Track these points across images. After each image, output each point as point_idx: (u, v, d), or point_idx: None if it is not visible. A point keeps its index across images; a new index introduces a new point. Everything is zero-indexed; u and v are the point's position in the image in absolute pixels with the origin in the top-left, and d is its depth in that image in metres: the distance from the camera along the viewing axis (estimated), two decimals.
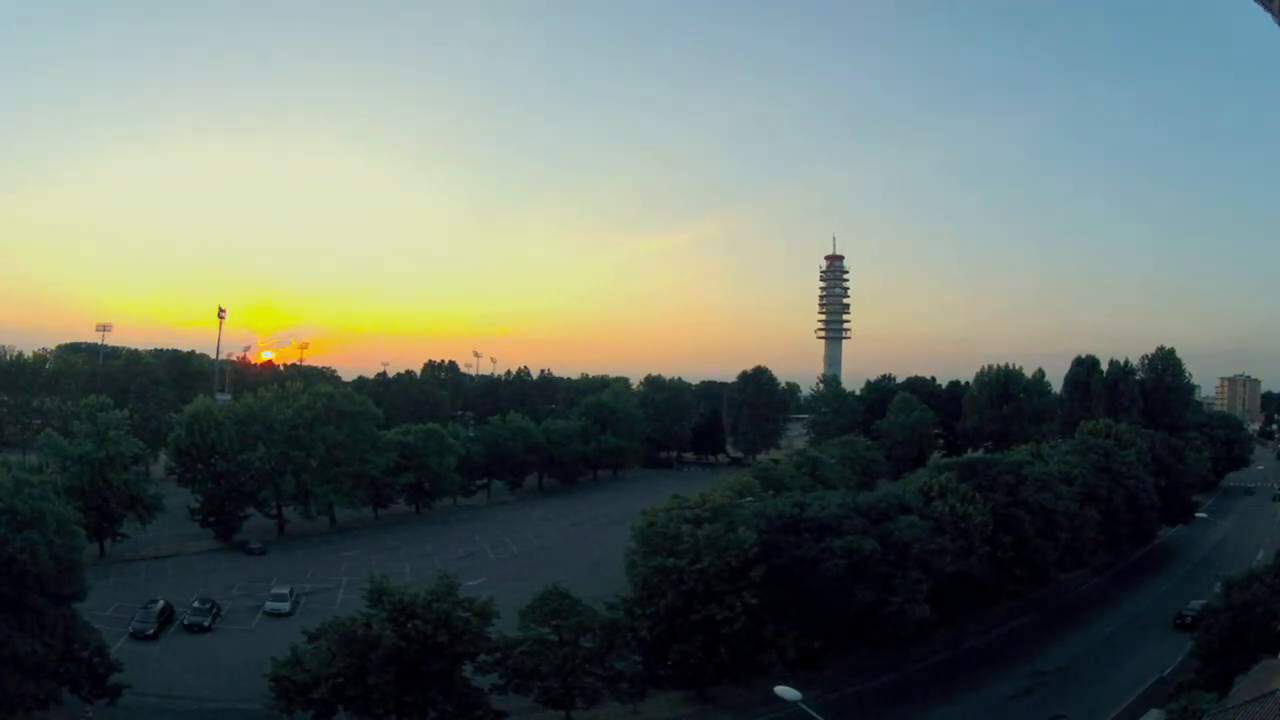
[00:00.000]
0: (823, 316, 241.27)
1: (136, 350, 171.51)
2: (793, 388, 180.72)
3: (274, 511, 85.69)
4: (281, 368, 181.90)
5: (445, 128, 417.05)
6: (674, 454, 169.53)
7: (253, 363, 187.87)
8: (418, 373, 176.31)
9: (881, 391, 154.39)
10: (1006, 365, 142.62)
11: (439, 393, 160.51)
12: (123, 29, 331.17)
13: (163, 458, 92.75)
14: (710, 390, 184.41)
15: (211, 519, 80.00)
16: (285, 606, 57.93)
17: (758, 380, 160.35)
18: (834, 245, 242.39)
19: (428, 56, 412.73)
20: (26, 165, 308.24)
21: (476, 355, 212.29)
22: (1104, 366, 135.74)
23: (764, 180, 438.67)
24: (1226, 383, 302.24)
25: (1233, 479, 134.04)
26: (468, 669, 38.89)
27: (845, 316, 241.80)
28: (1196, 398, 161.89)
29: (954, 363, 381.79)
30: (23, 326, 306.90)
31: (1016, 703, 46.26)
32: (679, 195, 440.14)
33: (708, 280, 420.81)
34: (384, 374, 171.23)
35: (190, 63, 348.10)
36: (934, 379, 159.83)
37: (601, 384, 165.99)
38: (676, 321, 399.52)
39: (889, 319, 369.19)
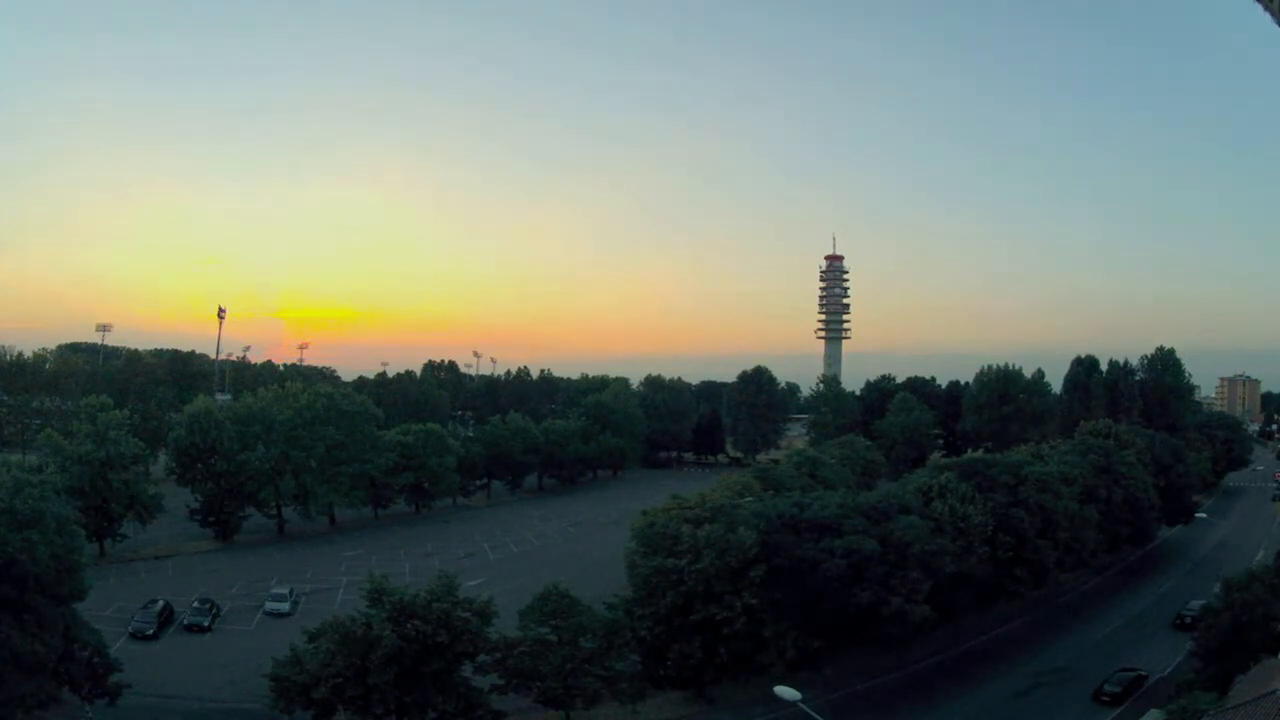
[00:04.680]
0: (823, 316, 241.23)
1: (136, 350, 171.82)
2: (793, 388, 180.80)
3: (274, 511, 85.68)
4: (281, 368, 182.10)
5: (444, 127, 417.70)
6: (674, 454, 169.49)
7: (254, 362, 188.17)
8: (418, 373, 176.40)
9: (881, 391, 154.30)
10: (1006, 365, 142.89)
11: (439, 393, 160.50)
12: (124, 34, 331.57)
13: (163, 458, 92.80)
14: (710, 390, 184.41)
15: (211, 519, 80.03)
16: (285, 606, 57.89)
17: (757, 380, 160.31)
18: (834, 245, 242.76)
19: (426, 57, 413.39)
20: (27, 165, 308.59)
21: (476, 355, 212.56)
22: (1104, 366, 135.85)
23: (765, 180, 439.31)
24: (1226, 383, 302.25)
25: (1232, 479, 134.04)
26: (468, 669, 38.87)
27: (845, 316, 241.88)
28: (1196, 398, 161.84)
29: (954, 363, 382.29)
30: (23, 326, 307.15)
31: (1016, 703, 46.23)
32: (679, 195, 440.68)
33: (708, 280, 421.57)
34: (384, 374, 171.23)
35: (188, 64, 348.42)
36: (934, 379, 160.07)
37: (601, 384, 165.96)
38: (676, 321, 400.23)
39: (889, 319, 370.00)
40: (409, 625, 35.94)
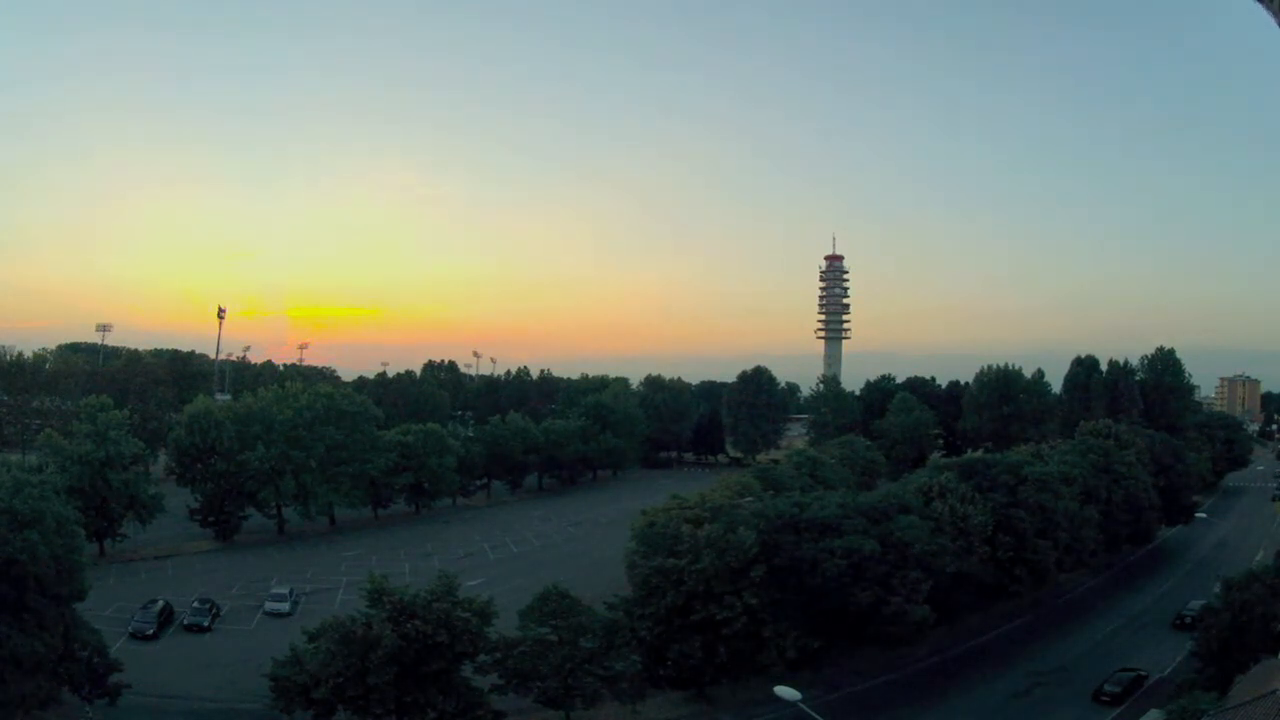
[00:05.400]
0: (823, 316, 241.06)
1: (136, 350, 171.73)
2: (793, 388, 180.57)
3: (274, 511, 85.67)
4: (281, 368, 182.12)
5: (444, 127, 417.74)
6: (674, 454, 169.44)
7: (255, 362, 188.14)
8: (418, 373, 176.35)
9: (881, 391, 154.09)
10: (1006, 365, 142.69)
11: (439, 393, 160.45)
12: (125, 34, 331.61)
13: (163, 458, 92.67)
14: (710, 390, 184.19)
15: (211, 519, 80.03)
16: (285, 606, 57.87)
17: (757, 380, 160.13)
18: (834, 245, 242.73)
19: (425, 57, 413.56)
20: (27, 165, 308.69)
21: (476, 355, 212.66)
22: (1104, 366, 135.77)
23: (765, 180, 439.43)
24: (1226, 383, 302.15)
25: (1232, 479, 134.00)
26: (468, 669, 38.87)
27: (845, 316, 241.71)
28: (1196, 398, 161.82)
29: (954, 362, 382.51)
30: (23, 326, 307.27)
31: (1016, 703, 46.26)
32: (679, 195, 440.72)
33: (708, 280, 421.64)
34: (384, 374, 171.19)
35: (189, 64, 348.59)
36: (934, 379, 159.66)
37: (601, 384, 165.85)
38: (677, 321, 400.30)
39: (889, 319, 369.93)
40: (409, 625, 35.95)
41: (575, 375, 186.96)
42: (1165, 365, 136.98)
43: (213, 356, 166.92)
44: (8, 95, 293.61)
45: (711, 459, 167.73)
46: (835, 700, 43.81)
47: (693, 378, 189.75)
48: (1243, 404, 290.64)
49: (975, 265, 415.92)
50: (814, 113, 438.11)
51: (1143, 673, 48.00)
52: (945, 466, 62.30)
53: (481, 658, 39.11)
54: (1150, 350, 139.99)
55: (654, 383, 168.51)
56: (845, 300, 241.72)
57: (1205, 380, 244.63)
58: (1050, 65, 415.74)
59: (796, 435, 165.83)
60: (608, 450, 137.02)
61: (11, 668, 33.18)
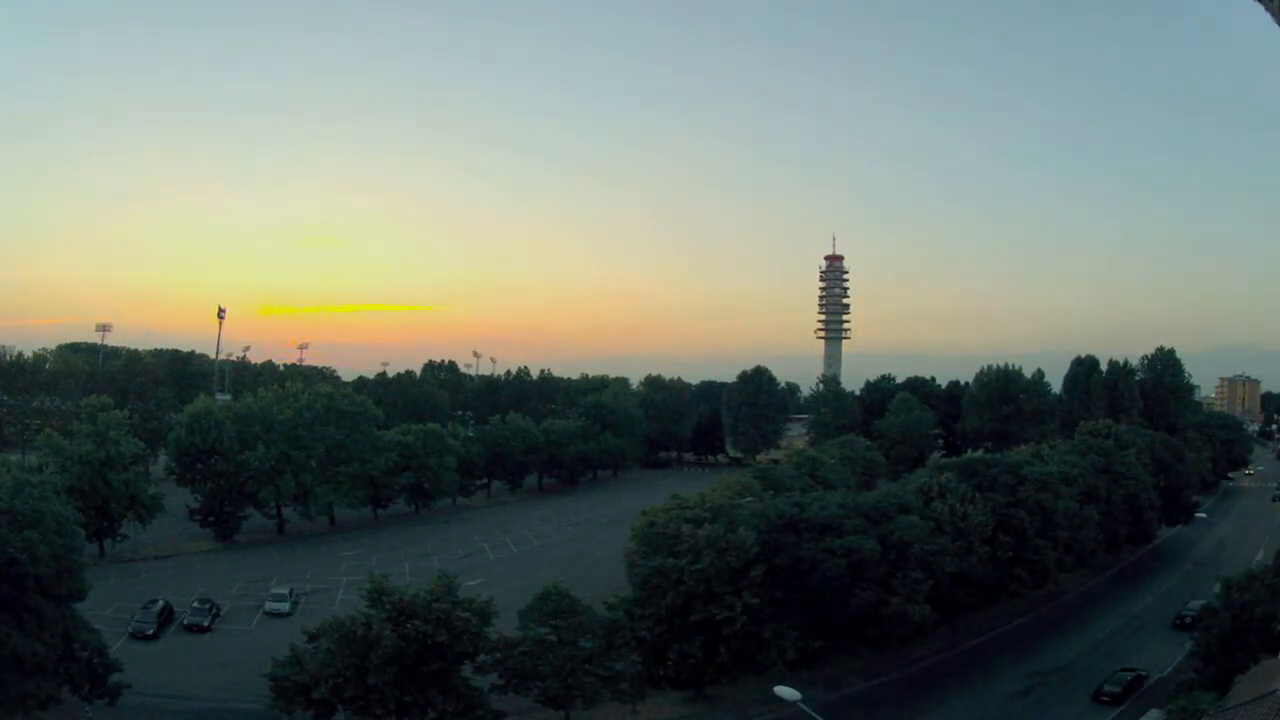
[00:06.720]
0: (823, 316, 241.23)
1: (136, 350, 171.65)
2: (793, 388, 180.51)
3: (274, 511, 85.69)
4: (281, 368, 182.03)
5: (444, 127, 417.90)
6: (674, 454, 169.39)
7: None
8: (418, 373, 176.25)
9: (881, 392, 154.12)
10: (1006, 365, 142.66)
11: (439, 393, 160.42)
12: (125, 34, 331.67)
13: (163, 458, 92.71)
14: (710, 390, 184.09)
15: (211, 519, 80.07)
16: (285, 606, 57.89)
17: (757, 380, 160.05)
18: (834, 245, 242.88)
19: (425, 58, 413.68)
20: (27, 165, 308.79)
21: (476, 355, 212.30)
22: (1104, 366, 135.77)
23: (765, 179, 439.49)
24: (1226, 383, 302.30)
25: (1232, 479, 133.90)
26: (467, 669, 38.86)
27: (845, 316, 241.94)
28: (1196, 398, 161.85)
29: (954, 363, 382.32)
30: (23, 326, 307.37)
31: (1016, 703, 46.23)
32: (679, 194, 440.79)
33: (708, 280, 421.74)
34: (384, 374, 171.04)
35: (189, 64, 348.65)
36: (934, 379, 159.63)
37: (601, 384, 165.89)
38: (677, 322, 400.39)
39: (889, 319, 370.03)
40: (409, 625, 35.91)
41: (575, 375, 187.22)
42: (1165, 365, 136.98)
43: (213, 356, 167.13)
44: (8, 95, 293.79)
45: (711, 459, 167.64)
46: (835, 700, 43.76)
47: (693, 378, 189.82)
48: (1243, 404, 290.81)
49: (975, 265, 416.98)
50: (814, 112, 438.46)
51: (1143, 673, 47.99)
52: (945, 466, 62.26)
53: (481, 658, 39.04)
54: (1150, 350, 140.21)
55: (654, 383, 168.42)
56: (845, 300, 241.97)
57: (1205, 380, 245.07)
58: (1050, 65, 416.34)
59: (796, 435, 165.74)
60: (608, 450, 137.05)
61: (11, 668, 33.16)
